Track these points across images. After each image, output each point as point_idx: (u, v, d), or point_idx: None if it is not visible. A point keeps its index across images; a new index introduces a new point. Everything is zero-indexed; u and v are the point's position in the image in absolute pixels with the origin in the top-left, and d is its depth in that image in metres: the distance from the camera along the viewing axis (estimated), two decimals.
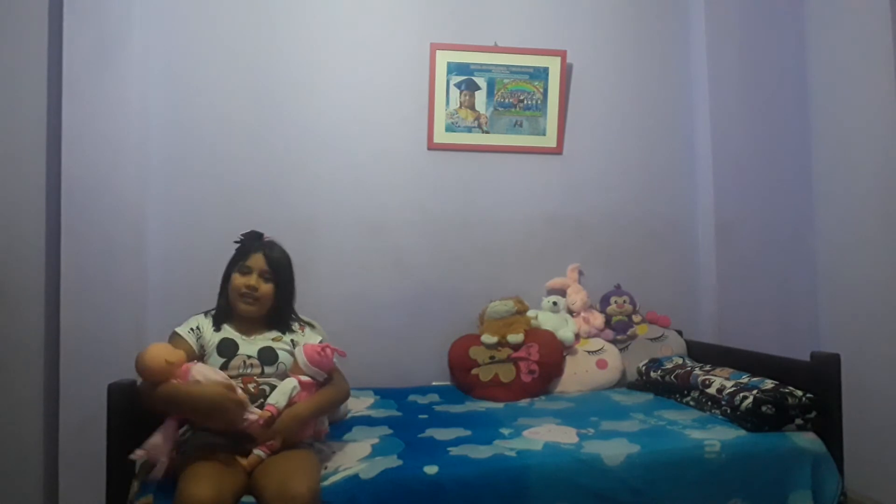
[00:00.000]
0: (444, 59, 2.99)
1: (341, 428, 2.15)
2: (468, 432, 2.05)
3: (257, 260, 1.92)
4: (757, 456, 1.92)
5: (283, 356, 1.88)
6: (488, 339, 2.74)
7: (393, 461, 1.79)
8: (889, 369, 2.51)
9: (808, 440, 1.98)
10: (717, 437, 1.96)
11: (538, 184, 3.10)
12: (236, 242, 1.99)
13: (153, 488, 1.63)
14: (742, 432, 2.00)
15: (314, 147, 2.93)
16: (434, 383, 2.86)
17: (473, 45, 3.02)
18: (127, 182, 2.48)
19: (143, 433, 1.76)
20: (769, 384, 2.09)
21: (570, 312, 2.98)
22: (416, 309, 2.96)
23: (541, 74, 3.07)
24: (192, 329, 1.87)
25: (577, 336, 2.87)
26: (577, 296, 2.99)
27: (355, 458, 1.82)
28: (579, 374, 2.76)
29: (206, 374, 1.70)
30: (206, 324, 1.90)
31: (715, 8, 3.09)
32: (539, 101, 3.09)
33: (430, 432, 2.07)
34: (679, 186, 3.20)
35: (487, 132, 3.06)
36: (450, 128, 3.03)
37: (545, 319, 2.88)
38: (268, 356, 1.85)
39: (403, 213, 3.00)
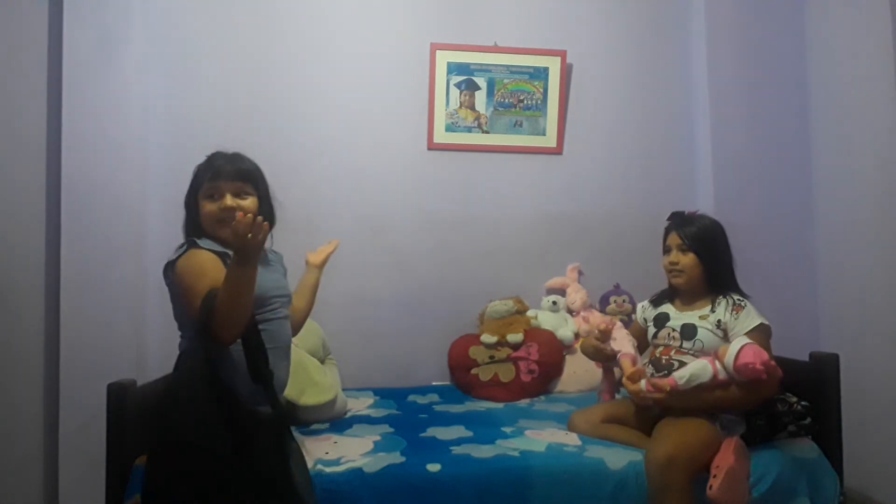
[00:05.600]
0: (444, 59, 2.99)
1: (341, 425, 2.16)
2: (470, 433, 2.05)
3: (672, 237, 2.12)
4: (751, 473, 1.84)
5: (702, 334, 1.96)
6: (488, 338, 2.74)
7: (396, 458, 1.80)
8: (889, 369, 2.51)
9: (801, 448, 1.95)
10: None
11: (538, 184, 3.10)
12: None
13: (140, 488, 1.63)
14: None
15: (314, 147, 2.93)
16: (434, 383, 2.86)
17: (473, 45, 3.02)
18: (127, 182, 2.48)
19: (143, 433, 1.75)
20: None
21: (570, 312, 2.98)
22: (415, 309, 2.96)
23: (541, 74, 3.07)
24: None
25: (577, 335, 2.86)
26: (576, 295, 2.99)
27: (358, 452, 1.84)
28: (579, 374, 2.76)
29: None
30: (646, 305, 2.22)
31: (715, 8, 3.08)
32: (539, 101, 3.08)
33: (431, 431, 2.08)
34: (679, 186, 3.19)
35: (487, 132, 3.06)
36: (450, 128, 3.03)
37: (545, 319, 2.88)
38: (688, 331, 1.98)
39: (403, 213, 2.99)
